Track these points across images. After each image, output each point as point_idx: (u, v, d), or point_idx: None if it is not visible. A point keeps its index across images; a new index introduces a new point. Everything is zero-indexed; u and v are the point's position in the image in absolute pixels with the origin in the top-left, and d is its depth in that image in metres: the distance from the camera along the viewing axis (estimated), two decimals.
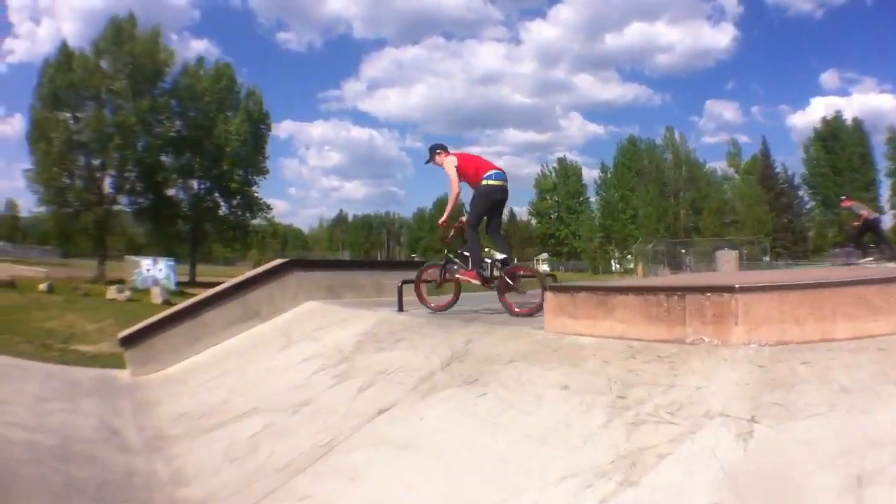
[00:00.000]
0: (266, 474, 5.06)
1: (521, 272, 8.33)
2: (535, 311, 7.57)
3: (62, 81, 47.83)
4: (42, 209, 50.31)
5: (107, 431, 7.30)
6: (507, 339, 6.24)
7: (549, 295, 6.22)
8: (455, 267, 8.70)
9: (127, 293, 29.61)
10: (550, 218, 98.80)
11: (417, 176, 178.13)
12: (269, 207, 61.35)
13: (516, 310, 7.90)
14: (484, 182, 8.28)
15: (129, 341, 10.72)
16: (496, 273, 8.20)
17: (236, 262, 77.38)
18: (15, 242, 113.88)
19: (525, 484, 3.81)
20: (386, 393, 5.76)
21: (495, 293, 8.26)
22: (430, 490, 4.09)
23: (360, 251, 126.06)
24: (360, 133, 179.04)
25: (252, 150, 57.39)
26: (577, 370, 5.02)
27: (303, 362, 7.67)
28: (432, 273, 9.11)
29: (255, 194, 59.16)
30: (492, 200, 8.38)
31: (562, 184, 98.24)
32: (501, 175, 8.41)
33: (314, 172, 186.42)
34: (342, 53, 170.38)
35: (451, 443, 4.58)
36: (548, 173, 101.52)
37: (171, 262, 40.93)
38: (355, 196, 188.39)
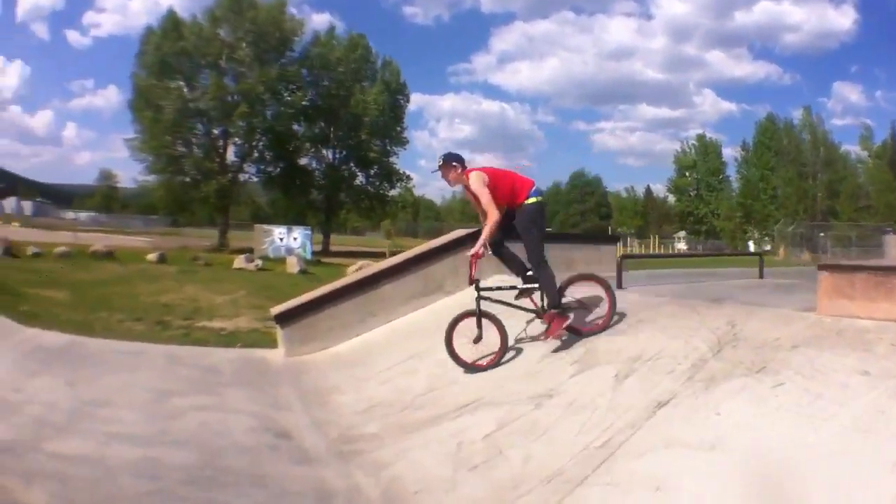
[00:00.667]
0: (530, 487, 4.29)
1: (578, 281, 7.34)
2: (605, 325, 6.94)
3: (171, 49, 48.48)
4: (151, 178, 51.27)
5: (271, 434, 6.15)
6: (776, 322, 5.73)
7: (824, 275, 5.67)
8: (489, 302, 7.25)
9: (257, 262, 28.79)
10: (689, 195, 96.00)
11: (550, 150, 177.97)
12: (409, 178, 61.65)
13: (584, 329, 6.98)
14: (532, 200, 7.10)
15: (286, 317, 9.86)
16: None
17: (364, 231, 77.49)
18: (112, 213, 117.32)
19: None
20: (654, 384, 5.13)
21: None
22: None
23: None
24: (490, 106, 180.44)
25: (390, 121, 57.36)
26: (870, 355, 4.66)
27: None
28: (467, 325, 7.22)
29: (395, 165, 59.61)
30: (545, 217, 7.37)
31: (701, 161, 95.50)
32: (541, 189, 7.36)
33: (445, 145, 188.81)
34: (470, 27, 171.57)
35: (765, 441, 4.03)
36: (687, 150, 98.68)
37: (308, 231, 40.67)
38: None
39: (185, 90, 49.67)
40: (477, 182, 6.98)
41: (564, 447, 4.61)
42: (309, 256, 36.31)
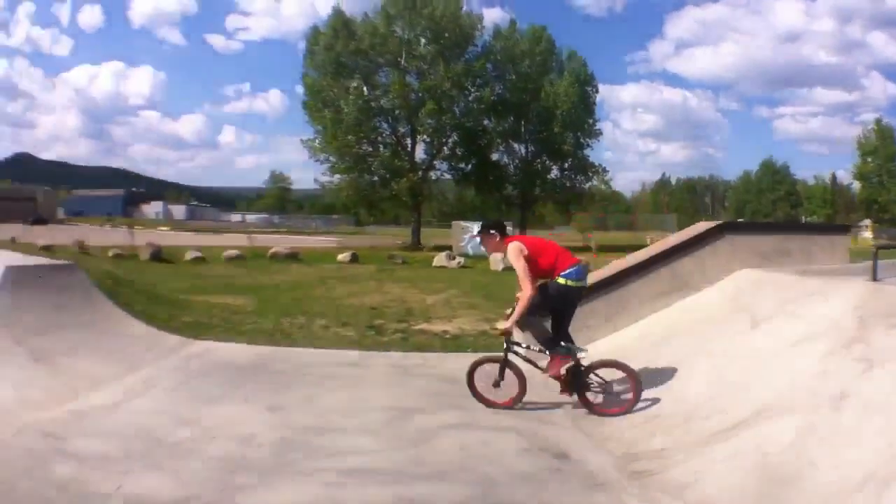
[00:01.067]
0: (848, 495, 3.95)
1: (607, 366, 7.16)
2: (628, 409, 6.83)
3: (344, 48, 49.94)
4: (334, 178, 53.25)
5: (548, 455, 5.68)
6: None
7: None
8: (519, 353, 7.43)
9: (459, 260, 29.42)
10: (872, 182, 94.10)
11: (736, 138, 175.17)
12: (605, 170, 61.39)
13: (602, 410, 6.97)
14: (562, 281, 7.03)
15: None
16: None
17: (554, 226, 77.55)
18: (285, 213, 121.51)
19: None
20: None
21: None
22: None
23: (686, 216, 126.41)
24: (672, 94, 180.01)
25: (581, 113, 57.11)
26: None
27: (798, 344, 6.29)
28: (485, 373, 7.47)
29: (588, 157, 59.68)
30: (567, 303, 7.23)
31: (881, 146, 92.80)
32: (583, 272, 7.26)
33: (629, 136, 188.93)
34: (643, 15, 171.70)
35: None
36: (867, 134, 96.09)
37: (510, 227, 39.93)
38: (673, 159, 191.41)
39: (365, 89, 50.86)
40: (513, 253, 7.08)
41: (871, 450, 4.21)
42: None
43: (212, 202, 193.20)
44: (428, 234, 52.28)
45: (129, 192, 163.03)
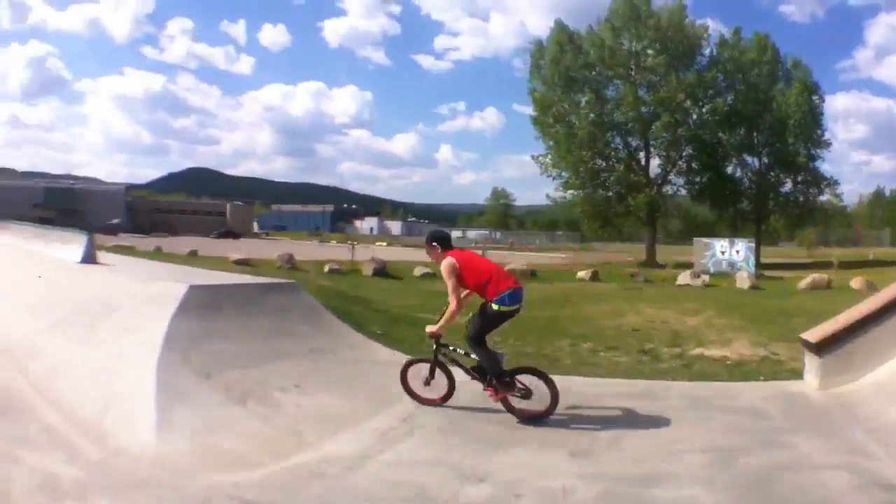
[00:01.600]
0: None
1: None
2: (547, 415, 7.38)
3: (572, 62, 49.77)
4: (567, 194, 53.11)
5: (877, 488, 5.19)
6: None
7: None
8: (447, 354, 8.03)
9: (703, 278, 28.20)
10: None
11: None
12: (836, 182, 58.14)
13: (525, 413, 7.46)
14: (496, 307, 7.43)
15: (824, 345, 8.63)
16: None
17: (778, 241, 75.55)
18: (507, 230, 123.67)
19: None
20: None
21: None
22: None
23: None
24: (879, 104, 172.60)
25: (810, 122, 54.48)
26: None
27: None
28: (417, 371, 8.04)
29: (819, 169, 56.83)
30: (498, 323, 7.71)
31: None
32: (518, 296, 7.55)
33: (841, 146, 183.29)
34: (842, 22, 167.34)
35: None
36: None
37: (751, 244, 39.48)
38: (881, 169, 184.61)
39: (595, 103, 50.44)
40: (445, 269, 7.50)
41: None
42: (752, 270, 34.50)
43: (429, 218, 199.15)
44: (661, 250, 51.36)
45: (340, 207, 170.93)
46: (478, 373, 7.69)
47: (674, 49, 49.42)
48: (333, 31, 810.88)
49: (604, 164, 51.13)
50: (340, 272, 24.82)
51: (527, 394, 7.47)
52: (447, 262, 7.52)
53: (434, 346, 7.91)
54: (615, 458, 5.97)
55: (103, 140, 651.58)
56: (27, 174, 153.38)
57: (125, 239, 51.03)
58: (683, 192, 55.88)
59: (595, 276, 27.82)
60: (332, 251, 41.37)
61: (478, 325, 7.55)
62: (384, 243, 64.57)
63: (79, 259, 14.14)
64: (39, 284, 12.82)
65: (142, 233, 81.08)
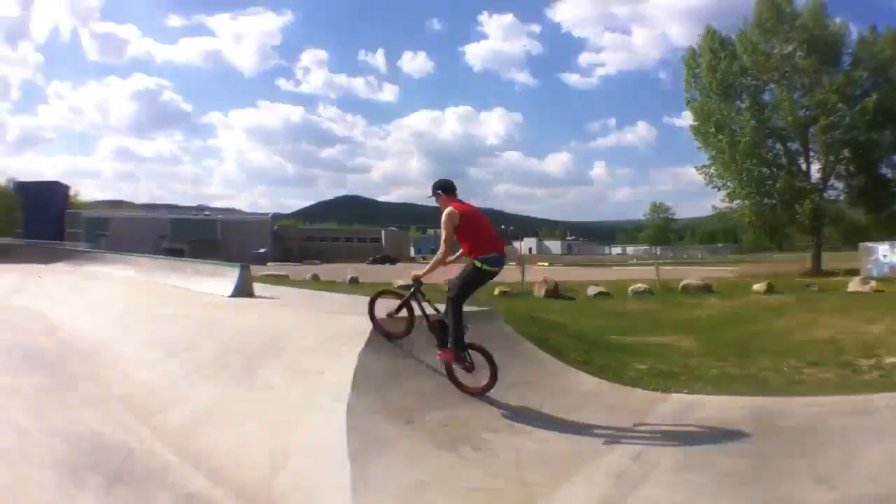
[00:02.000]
0: None
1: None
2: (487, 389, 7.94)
3: (727, 69, 48.76)
4: (733, 204, 51.80)
5: None
6: None
7: None
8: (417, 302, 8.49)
9: (872, 284, 27.01)
10: None
11: None
12: None
13: (470, 388, 7.98)
14: (479, 264, 7.86)
15: None
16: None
17: None
18: (666, 244, 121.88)
19: None
20: None
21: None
22: None
23: None
24: None
25: None
26: None
27: None
28: (385, 304, 8.72)
29: None
30: (477, 282, 8.09)
31: None
32: (501, 261, 8.07)
33: None
34: None
35: None
36: None
37: None
38: None
39: (755, 109, 49.22)
40: (445, 218, 7.91)
41: None
42: None
43: (587, 236, 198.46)
44: (832, 256, 49.63)
45: (497, 229, 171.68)
46: (437, 330, 8.13)
47: (820, 49, 47.79)
48: (475, 54, 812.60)
49: (767, 172, 49.67)
50: (512, 294, 24.39)
51: (470, 367, 7.97)
52: (449, 210, 7.94)
53: (412, 290, 8.46)
54: (852, 480, 5.53)
55: (239, 171, 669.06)
56: (148, 206, 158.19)
57: (277, 268, 52.17)
58: (842, 196, 53.24)
59: (770, 289, 26.66)
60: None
61: (459, 283, 7.94)
62: (546, 263, 64.48)
63: (229, 293, 13.51)
64: (178, 322, 11.84)
65: (291, 261, 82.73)
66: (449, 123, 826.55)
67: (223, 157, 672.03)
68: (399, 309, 8.42)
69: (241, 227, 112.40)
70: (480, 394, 7.87)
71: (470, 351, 8.04)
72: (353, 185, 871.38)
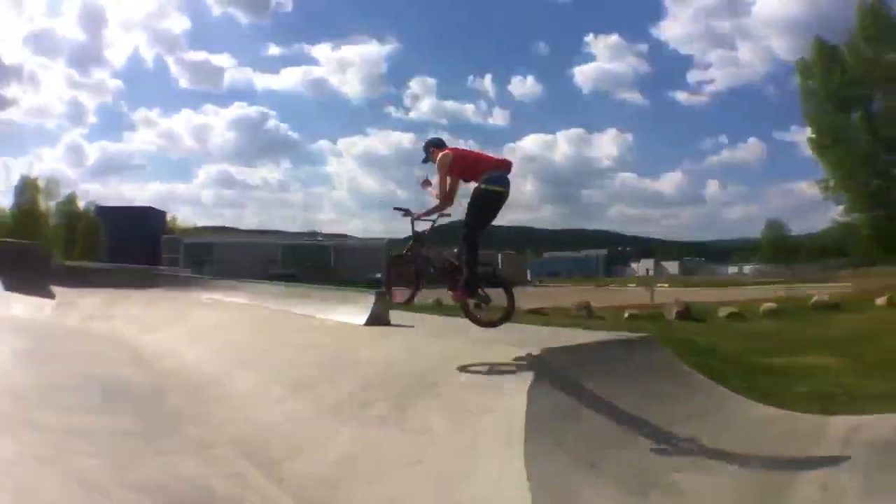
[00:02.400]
0: None
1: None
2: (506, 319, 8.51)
3: (839, 79, 47.79)
4: (850, 218, 50.68)
5: None
6: None
7: None
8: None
9: None
10: None
11: None
12: None
13: (483, 322, 8.59)
14: (484, 186, 8.10)
15: None
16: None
17: None
18: (779, 263, 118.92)
19: None
20: None
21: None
22: None
23: None
24: None
25: None
26: None
27: None
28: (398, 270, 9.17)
29: None
30: (493, 209, 8.29)
31: None
32: (504, 179, 8.24)
33: None
34: None
35: None
36: None
37: None
38: None
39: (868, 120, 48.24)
40: (439, 162, 8.29)
41: None
42: None
43: (704, 256, 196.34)
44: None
45: (614, 250, 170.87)
46: (450, 271, 8.52)
47: None
48: (584, 75, 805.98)
49: (883, 184, 48.40)
50: (641, 317, 23.86)
51: (486, 300, 8.42)
52: (442, 154, 8.35)
53: (413, 243, 8.77)
54: None
55: (351, 197, 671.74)
56: (255, 232, 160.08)
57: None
58: None
59: (892, 302, 25.78)
60: (615, 295, 40.71)
61: (471, 213, 8.18)
62: (665, 284, 63.58)
63: (363, 321, 12.17)
64: (305, 354, 10.58)
65: (406, 285, 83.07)
66: (561, 146, 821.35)
67: (334, 183, 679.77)
68: (413, 263, 8.87)
69: (354, 252, 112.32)
70: (497, 325, 8.48)
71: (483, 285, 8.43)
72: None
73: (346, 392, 8.27)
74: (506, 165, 8.37)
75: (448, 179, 8.45)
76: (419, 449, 6.26)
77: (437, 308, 21.69)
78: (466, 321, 9.05)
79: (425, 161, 8.90)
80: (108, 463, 6.02)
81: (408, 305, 9.85)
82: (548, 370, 7.48)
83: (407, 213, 8.71)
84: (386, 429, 6.92)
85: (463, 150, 8.59)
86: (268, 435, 7.29)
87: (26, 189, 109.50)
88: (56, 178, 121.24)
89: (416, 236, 8.72)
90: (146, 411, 8.51)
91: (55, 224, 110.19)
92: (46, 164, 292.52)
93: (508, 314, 8.34)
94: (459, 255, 8.34)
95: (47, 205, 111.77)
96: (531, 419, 6.21)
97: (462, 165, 8.36)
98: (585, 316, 24.51)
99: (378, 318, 12.29)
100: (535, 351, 7.98)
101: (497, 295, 8.83)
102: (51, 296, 20.60)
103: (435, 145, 8.69)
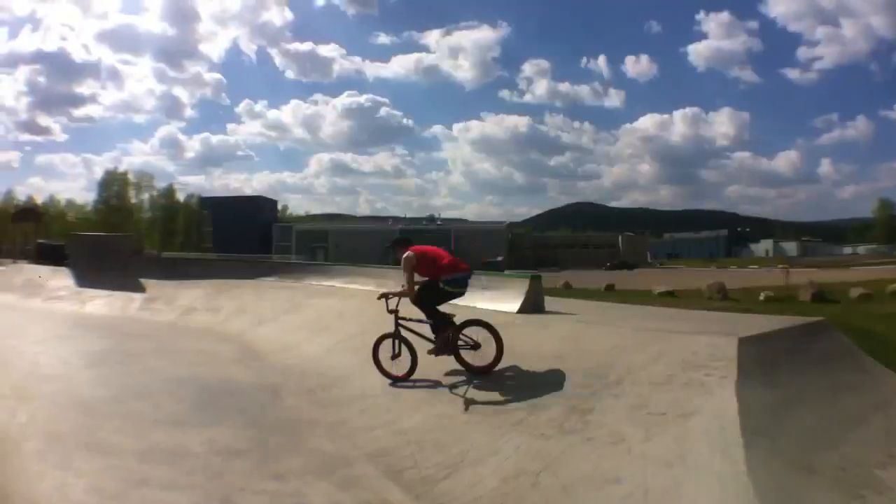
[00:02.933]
0: None
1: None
2: (493, 367, 8.35)
3: None
4: None
5: None
6: None
7: None
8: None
9: None
10: None
11: None
12: None
13: (474, 368, 8.48)
14: (441, 284, 8.87)
15: None
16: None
17: None
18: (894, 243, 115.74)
19: None
20: None
21: None
22: None
23: None
24: None
25: None
26: None
27: None
28: (386, 347, 9.04)
29: None
30: (445, 298, 9.05)
31: None
32: (465, 282, 9.09)
33: None
34: None
35: None
36: None
37: None
38: None
39: None
40: (404, 263, 9.00)
41: None
42: None
43: (821, 237, 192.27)
44: None
45: (734, 232, 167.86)
46: (435, 333, 8.87)
47: None
48: (698, 54, 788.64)
49: None
50: (777, 299, 22.83)
51: (475, 346, 8.52)
52: (406, 256, 8.94)
53: (395, 322, 9.08)
54: None
55: (466, 182, 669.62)
56: (371, 218, 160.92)
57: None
58: None
59: None
60: (745, 277, 39.36)
61: (428, 297, 8.91)
62: (785, 266, 62.29)
63: (516, 308, 11.11)
64: None
65: (526, 268, 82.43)
66: (677, 125, 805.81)
67: (449, 168, 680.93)
68: (396, 348, 9.03)
69: (474, 235, 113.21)
70: (488, 372, 8.33)
71: (468, 330, 8.69)
72: (584, 192, 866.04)
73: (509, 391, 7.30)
74: (466, 269, 9.13)
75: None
76: (613, 461, 5.27)
77: (571, 292, 20.90)
78: (621, 305, 8.85)
79: (391, 257, 10.02)
80: (198, 499, 4.93)
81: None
82: (745, 362, 6.24)
83: (394, 314, 9.19)
84: (564, 436, 5.89)
85: (423, 250, 9.14)
86: (414, 446, 6.21)
87: (112, 183, 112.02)
88: (149, 172, 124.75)
89: (395, 316, 9.21)
90: (254, 420, 7.25)
91: (150, 217, 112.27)
92: (137, 157, 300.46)
93: (498, 359, 8.45)
94: (426, 315, 9.05)
95: (139, 198, 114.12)
96: (745, 423, 5.28)
97: (423, 263, 9.02)
98: (720, 298, 23.50)
99: (532, 305, 11.20)
100: (722, 340, 6.71)
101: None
102: (140, 289, 19.60)
103: (400, 244, 9.33)
